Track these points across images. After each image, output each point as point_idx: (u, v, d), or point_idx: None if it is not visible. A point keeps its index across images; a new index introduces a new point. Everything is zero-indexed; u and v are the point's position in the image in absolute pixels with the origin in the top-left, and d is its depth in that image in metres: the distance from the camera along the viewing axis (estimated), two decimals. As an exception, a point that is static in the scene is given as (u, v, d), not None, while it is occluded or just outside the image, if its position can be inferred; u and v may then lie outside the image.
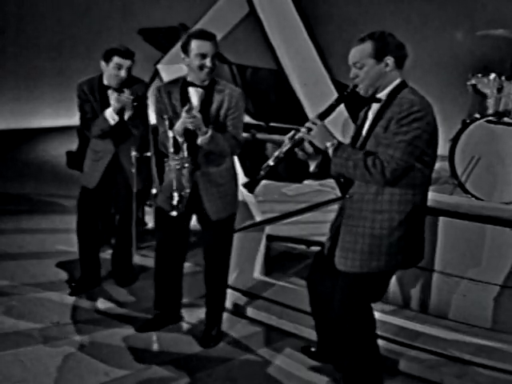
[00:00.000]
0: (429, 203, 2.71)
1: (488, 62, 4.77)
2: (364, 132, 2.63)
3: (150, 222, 4.96)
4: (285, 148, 2.62)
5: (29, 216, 5.48)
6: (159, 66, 4.17)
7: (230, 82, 3.87)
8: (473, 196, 3.99)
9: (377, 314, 2.80)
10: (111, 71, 3.61)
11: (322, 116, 2.63)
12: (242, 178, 3.61)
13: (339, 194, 3.23)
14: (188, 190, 3.10)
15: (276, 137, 5.87)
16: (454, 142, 4.08)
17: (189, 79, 3.14)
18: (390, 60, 2.52)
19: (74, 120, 3.94)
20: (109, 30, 9.00)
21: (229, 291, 3.58)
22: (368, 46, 2.51)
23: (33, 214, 5.58)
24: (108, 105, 3.58)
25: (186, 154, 3.06)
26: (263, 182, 2.67)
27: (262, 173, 2.62)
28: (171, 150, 3.07)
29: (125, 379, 3.00)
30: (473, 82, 4.63)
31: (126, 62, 3.60)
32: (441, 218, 3.46)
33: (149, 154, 3.75)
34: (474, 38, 5.49)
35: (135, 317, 3.61)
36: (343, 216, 2.68)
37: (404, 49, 2.57)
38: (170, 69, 4.07)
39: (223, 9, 4.02)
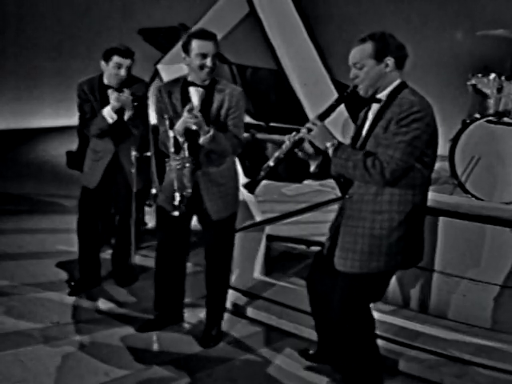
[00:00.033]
0: (429, 203, 2.71)
1: (488, 61, 4.76)
2: (364, 132, 2.63)
3: (150, 221, 4.97)
4: (285, 148, 2.63)
5: (29, 216, 5.48)
6: (159, 66, 4.17)
7: (229, 81, 3.86)
8: (473, 196, 3.99)
9: (376, 314, 2.80)
10: (111, 70, 3.62)
11: (322, 116, 2.63)
12: (241, 178, 3.61)
13: (339, 194, 3.22)
14: (189, 190, 3.10)
15: (276, 137, 5.86)
16: (454, 142, 4.08)
17: (189, 79, 3.14)
18: (390, 61, 2.52)
19: (74, 120, 3.93)
20: (109, 30, 9.01)
21: (229, 291, 3.57)
22: (368, 46, 2.51)
23: (33, 213, 5.57)
24: (108, 104, 3.58)
25: (186, 153, 3.06)
26: (263, 181, 2.68)
27: (263, 173, 2.63)
28: (172, 149, 3.07)
29: (125, 379, 3.00)
30: (473, 81, 4.62)
31: (126, 62, 3.61)
32: (441, 218, 3.46)
33: (149, 153, 3.74)
34: (474, 38, 5.48)
35: (135, 317, 3.61)
36: (343, 216, 2.68)
37: (404, 49, 2.57)
38: (170, 69, 4.07)
39: (223, 9, 4.03)
